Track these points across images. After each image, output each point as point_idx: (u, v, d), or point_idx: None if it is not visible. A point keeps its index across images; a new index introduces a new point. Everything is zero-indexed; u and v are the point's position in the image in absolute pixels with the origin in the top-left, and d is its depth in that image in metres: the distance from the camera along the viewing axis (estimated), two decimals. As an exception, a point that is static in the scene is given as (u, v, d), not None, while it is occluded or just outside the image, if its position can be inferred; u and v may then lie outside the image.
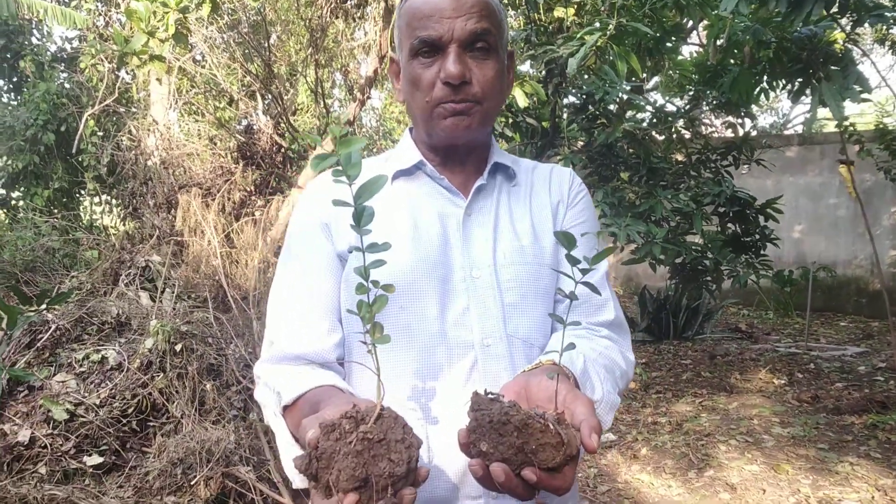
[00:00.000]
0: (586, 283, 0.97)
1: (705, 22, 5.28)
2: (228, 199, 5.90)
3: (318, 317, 1.23)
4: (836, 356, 7.16)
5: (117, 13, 8.39)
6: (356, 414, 0.85)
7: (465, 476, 1.18)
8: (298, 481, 1.10)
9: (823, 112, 4.74)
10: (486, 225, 1.29)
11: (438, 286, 1.22)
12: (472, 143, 1.29)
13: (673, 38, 5.64)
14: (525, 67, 7.65)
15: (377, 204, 0.92)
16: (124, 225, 7.68)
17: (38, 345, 3.65)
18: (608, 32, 4.37)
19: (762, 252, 5.85)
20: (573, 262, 0.92)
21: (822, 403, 5.52)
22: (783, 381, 6.24)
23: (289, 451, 1.08)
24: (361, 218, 0.87)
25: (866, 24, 4.74)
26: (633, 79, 6.26)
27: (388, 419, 0.85)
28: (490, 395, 0.93)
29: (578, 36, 4.58)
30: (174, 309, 4.15)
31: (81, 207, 10.19)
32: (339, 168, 0.83)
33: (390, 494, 0.81)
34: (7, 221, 9.74)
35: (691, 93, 6.15)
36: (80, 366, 3.62)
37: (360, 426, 0.83)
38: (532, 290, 1.26)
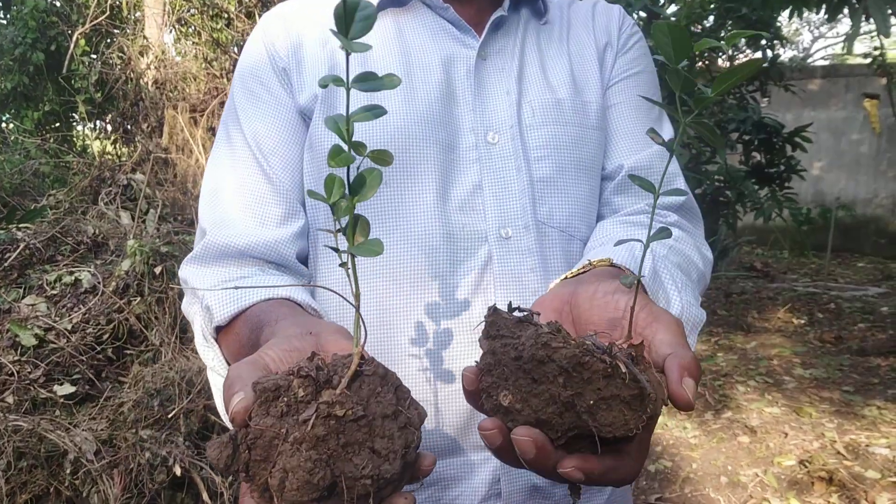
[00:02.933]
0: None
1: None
2: (219, 117, 5.55)
3: (270, 196, 0.89)
4: (857, 296, 6.88)
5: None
6: (316, 371, 0.51)
7: (470, 421, 0.86)
8: None
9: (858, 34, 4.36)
10: (507, 72, 0.93)
11: (439, 156, 0.87)
12: None
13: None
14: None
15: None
16: (115, 148, 7.36)
17: (6, 265, 3.36)
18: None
19: (787, 184, 5.53)
20: (679, 82, 0.53)
21: (846, 344, 5.26)
22: (803, 321, 5.97)
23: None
24: (352, 23, 0.48)
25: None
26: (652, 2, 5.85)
27: (371, 379, 0.52)
28: (517, 313, 0.59)
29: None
30: (158, 230, 3.85)
31: (75, 132, 9.87)
32: None
33: None
34: (-3, 144, 9.45)
35: (715, 14, 5.77)
36: (52, 288, 3.33)
37: (322, 392, 0.50)
38: (572, 160, 0.92)
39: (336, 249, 0.55)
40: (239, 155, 0.91)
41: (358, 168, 0.53)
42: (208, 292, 0.81)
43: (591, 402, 0.51)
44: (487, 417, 0.55)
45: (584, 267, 0.77)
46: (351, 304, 0.54)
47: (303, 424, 0.48)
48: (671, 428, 3.94)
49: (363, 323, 0.54)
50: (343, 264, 0.54)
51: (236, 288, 0.79)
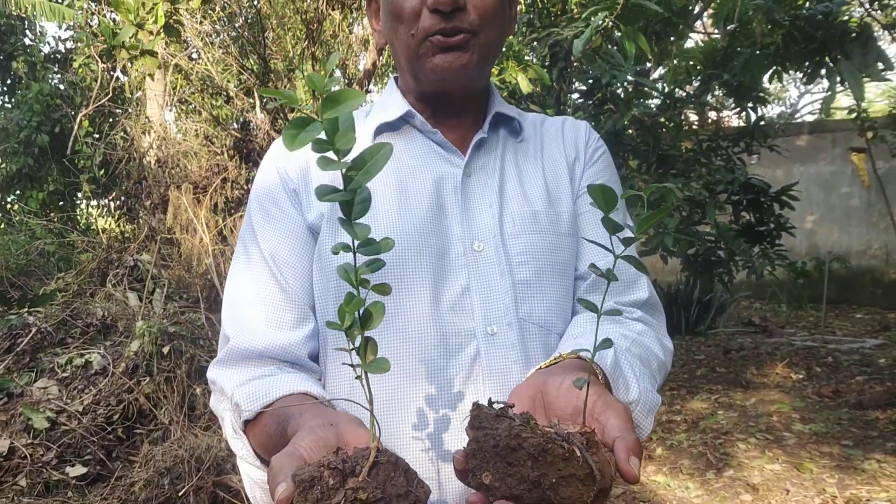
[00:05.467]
0: (627, 258, 0.77)
1: (712, 9, 5.12)
2: (222, 195, 5.72)
3: (284, 304, 1.01)
4: (854, 348, 6.95)
5: (108, 9, 8.22)
6: (342, 463, 0.65)
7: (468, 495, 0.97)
8: None
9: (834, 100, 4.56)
10: (489, 187, 1.07)
11: (432, 263, 1.00)
12: (468, 87, 1.08)
13: (681, 21, 5.46)
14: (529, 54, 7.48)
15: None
16: (119, 226, 7.52)
17: (19, 349, 3.46)
18: (615, 11, 4.17)
19: (777, 241, 5.64)
20: (612, 227, 0.69)
21: (844, 398, 5.30)
22: (801, 376, 6.03)
23: (254, 476, 0.89)
24: (353, 208, 0.62)
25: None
26: (639, 68, 6.07)
27: (385, 466, 0.65)
28: (496, 406, 0.73)
29: (584, 16, 4.39)
30: (165, 309, 3.96)
31: (78, 210, 10.05)
32: (324, 140, 0.58)
33: None
34: (2, 225, 9.61)
35: (700, 78, 5.96)
36: (63, 371, 3.43)
37: (348, 480, 0.63)
38: (549, 265, 1.05)
39: (352, 365, 0.69)
40: (256, 267, 1.04)
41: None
42: (236, 388, 0.93)
43: (554, 480, 0.65)
44: (474, 492, 0.68)
45: (555, 359, 0.90)
46: (365, 408, 0.68)
47: None
48: (674, 488, 3.98)
49: (377, 424, 0.67)
50: (358, 377, 0.69)
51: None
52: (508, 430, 0.66)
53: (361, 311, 0.66)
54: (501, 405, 0.72)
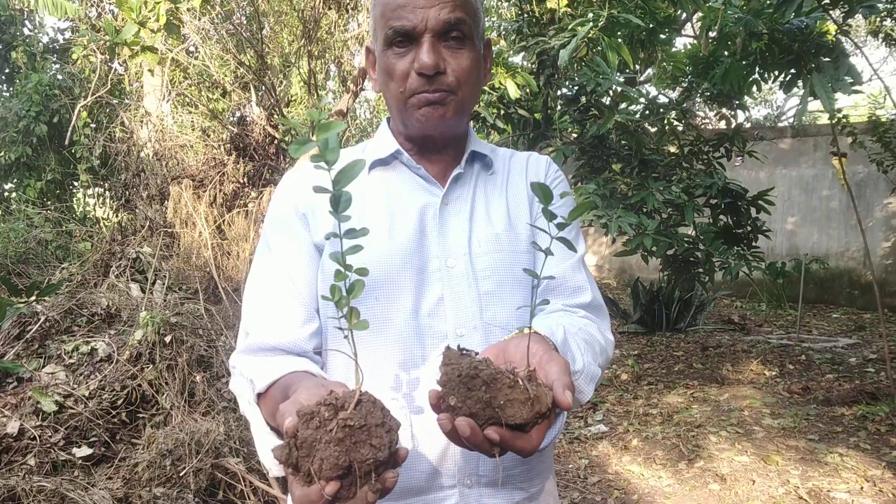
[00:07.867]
0: (562, 240, 0.96)
1: (699, 14, 5.29)
2: (220, 190, 5.89)
3: (294, 307, 1.22)
4: (827, 347, 7.19)
5: (109, 3, 8.36)
6: (335, 401, 0.84)
7: (439, 467, 1.18)
8: (276, 470, 1.11)
9: (817, 104, 4.74)
10: (462, 214, 1.29)
11: (414, 276, 1.22)
12: (447, 133, 1.28)
13: (666, 30, 5.65)
14: (517, 59, 7.65)
15: (355, 192, 0.91)
16: (117, 216, 7.68)
17: (28, 336, 3.65)
18: (599, 24, 4.36)
19: (754, 244, 5.84)
20: (549, 216, 0.90)
21: (813, 395, 5.54)
22: (774, 373, 6.26)
23: (264, 440, 1.08)
24: (339, 203, 0.85)
25: (859, 16, 4.73)
26: (627, 70, 6.25)
27: (366, 404, 0.85)
28: (462, 351, 0.94)
29: (570, 27, 4.58)
30: (165, 300, 4.14)
31: (75, 199, 10.18)
32: (318, 153, 0.82)
33: (374, 479, 0.81)
34: (0, 213, 9.73)
35: (684, 84, 6.14)
36: (70, 357, 3.61)
37: (339, 413, 0.82)
38: (509, 278, 1.26)
39: (340, 328, 0.91)
40: (271, 275, 1.25)
41: (349, 280, 0.91)
42: (251, 369, 1.15)
43: (502, 402, 0.85)
44: (442, 413, 0.90)
45: (518, 331, 1.12)
46: (350, 357, 0.90)
47: (329, 432, 0.80)
48: (647, 477, 4.19)
49: (360, 370, 0.89)
50: (346, 337, 0.90)
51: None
52: (469, 364, 0.88)
53: (347, 285, 0.90)
54: (466, 350, 0.95)
